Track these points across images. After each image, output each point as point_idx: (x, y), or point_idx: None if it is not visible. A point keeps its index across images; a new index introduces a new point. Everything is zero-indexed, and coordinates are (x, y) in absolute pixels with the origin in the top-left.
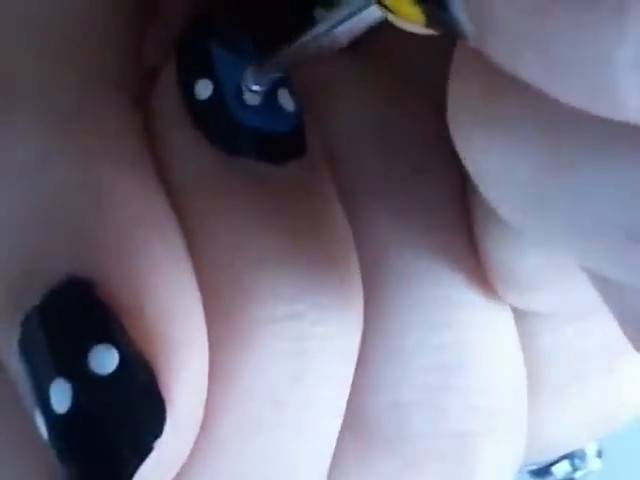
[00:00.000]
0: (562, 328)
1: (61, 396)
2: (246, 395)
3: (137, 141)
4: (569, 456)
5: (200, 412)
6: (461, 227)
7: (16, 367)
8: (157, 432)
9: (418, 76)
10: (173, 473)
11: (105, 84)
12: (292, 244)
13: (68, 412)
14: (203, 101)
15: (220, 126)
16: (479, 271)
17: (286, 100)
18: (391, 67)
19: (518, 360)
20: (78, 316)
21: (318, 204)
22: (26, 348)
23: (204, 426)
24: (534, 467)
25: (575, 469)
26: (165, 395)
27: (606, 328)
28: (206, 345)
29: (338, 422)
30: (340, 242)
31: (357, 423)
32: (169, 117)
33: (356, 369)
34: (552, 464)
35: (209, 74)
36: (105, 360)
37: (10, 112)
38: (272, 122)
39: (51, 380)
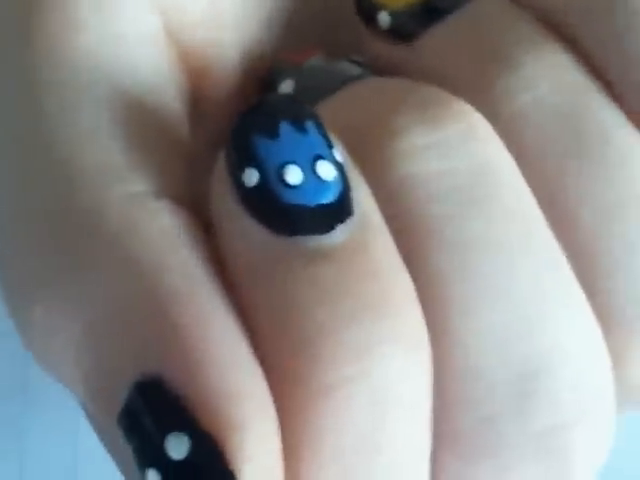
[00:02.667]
0: None
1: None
2: (333, 453)
3: (191, 238)
4: None
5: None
6: None
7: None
8: None
9: None
10: None
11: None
12: (351, 305)
13: None
14: (251, 188)
15: (268, 209)
16: None
17: (326, 171)
18: None
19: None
20: (153, 409)
21: (375, 262)
22: (125, 440)
23: None
24: None
25: None
26: (235, 475)
27: None
28: (273, 424)
29: (427, 446)
30: (398, 291)
31: (452, 441)
32: (223, 205)
33: (440, 391)
34: None
35: (253, 163)
36: (178, 446)
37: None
38: (316, 196)
39: (145, 469)
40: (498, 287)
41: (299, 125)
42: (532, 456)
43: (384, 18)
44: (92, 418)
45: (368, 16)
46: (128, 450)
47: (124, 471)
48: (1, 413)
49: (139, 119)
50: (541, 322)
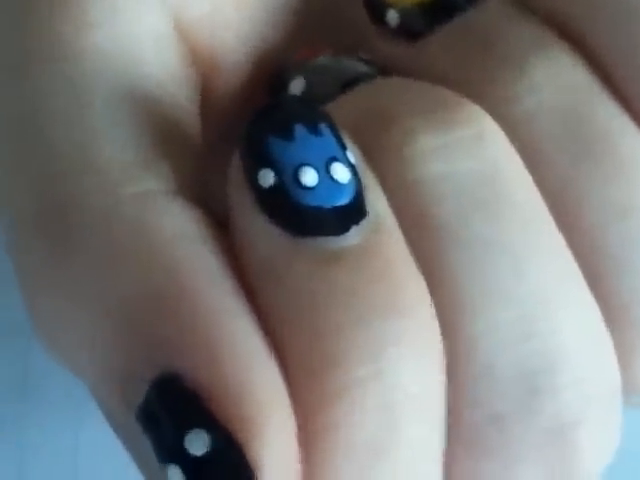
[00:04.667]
0: None
1: (177, 476)
2: (346, 451)
3: (205, 236)
4: None
5: (294, 477)
6: None
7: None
8: None
9: None
10: None
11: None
12: (364, 306)
13: None
14: (267, 189)
15: (284, 210)
16: None
17: (340, 173)
18: None
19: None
20: (171, 407)
21: (387, 263)
22: (144, 436)
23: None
24: None
25: None
26: (255, 469)
27: None
28: (290, 418)
29: (440, 444)
30: (411, 292)
31: (462, 438)
32: (238, 205)
33: (451, 389)
34: None
35: (269, 164)
36: (198, 443)
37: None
38: (331, 198)
39: (165, 464)
40: (507, 287)
41: (313, 127)
42: (540, 452)
43: (392, 16)
44: (107, 413)
45: (376, 14)
46: (147, 445)
47: (141, 464)
48: (0, 413)
49: (151, 117)
50: (548, 321)
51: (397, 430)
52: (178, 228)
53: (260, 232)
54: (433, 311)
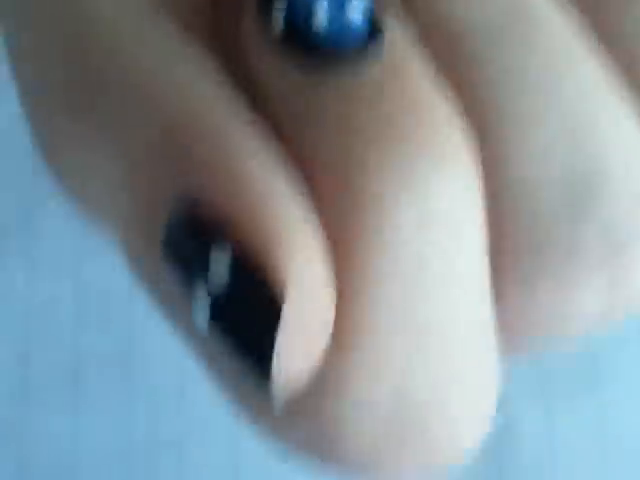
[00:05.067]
0: None
1: (202, 301)
2: (384, 267)
3: (218, 65)
4: None
5: (327, 287)
6: None
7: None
8: (276, 317)
9: None
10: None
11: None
12: (389, 122)
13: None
14: (281, 26)
15: (299, 47)
16: None
17: (355, 13)
18: None
19: None
20: (194, 228)
21: (412, 82)
22: (169, 273)
23: (351, 298)
24: None
25: None
26: (280, 287)
27: None
28: (317, 232)
29: (484, 264)
30: (441, 110)
31: (510, 265)
32: (254, 48)
33: (495, 212)
34: None
35: (281, 3)
36: (222, 263)
37: None
38: (344, 39)
39: (190, 289)
40: (547, 101)
41: None
42: (593, 267)
43: None
44: (133, 266)
45: None
46: (172, 281)
47: (166, 310)
48: (0, 410)
49: None
50: (591, 129)
51: (434, 244)
52: (201, 66)
53: (277, 73)
54: (463, 131)
